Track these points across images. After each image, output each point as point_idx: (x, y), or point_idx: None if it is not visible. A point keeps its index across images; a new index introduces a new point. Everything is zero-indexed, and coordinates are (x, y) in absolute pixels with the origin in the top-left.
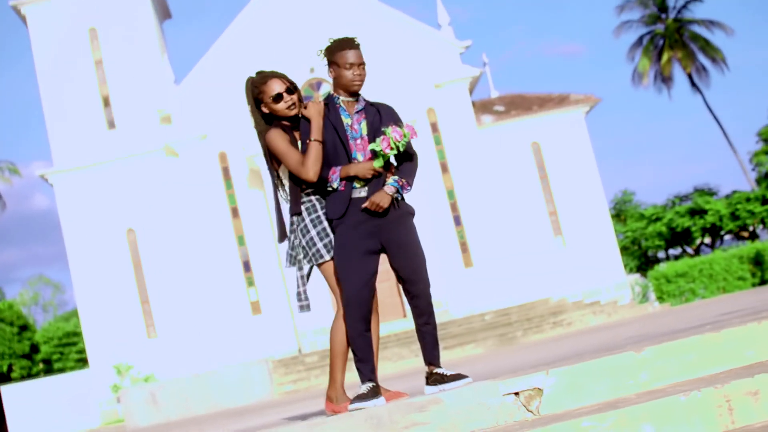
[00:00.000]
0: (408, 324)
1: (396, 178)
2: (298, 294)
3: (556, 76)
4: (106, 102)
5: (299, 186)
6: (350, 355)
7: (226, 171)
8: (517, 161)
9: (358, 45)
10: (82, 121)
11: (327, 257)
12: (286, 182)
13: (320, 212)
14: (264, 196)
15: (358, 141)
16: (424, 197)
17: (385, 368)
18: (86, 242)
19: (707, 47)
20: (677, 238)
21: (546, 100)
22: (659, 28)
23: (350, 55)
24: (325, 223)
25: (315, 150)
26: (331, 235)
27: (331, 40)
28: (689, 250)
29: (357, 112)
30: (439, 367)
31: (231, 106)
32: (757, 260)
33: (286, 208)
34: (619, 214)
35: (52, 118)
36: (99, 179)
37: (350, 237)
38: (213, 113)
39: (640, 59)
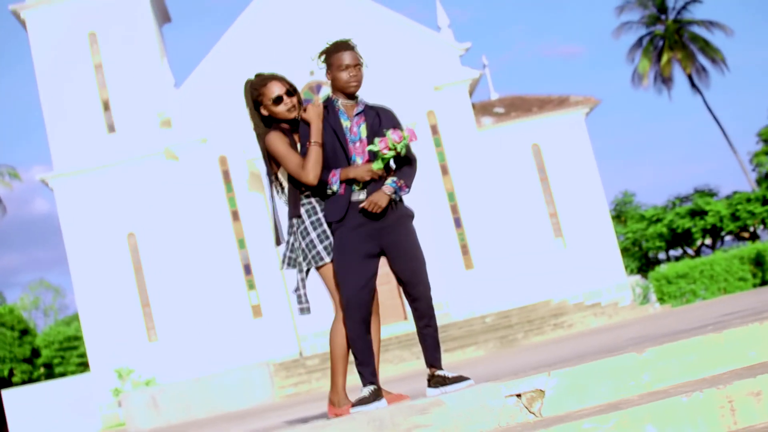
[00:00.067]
0: (409, 326)
1: (394, 179)
2: (299, 296)
3: (556, 77)
4: (106, 106)
5: (299, 189)
6: (351, 357)
7: (226, 174)
8: (518, 163)
9: (353, 46)
10: (82, 125)
11: (327, 260)
12: (285, 185)
13: (320, 214)
14: (264, 199)
15: (357, 144)
16: (424, 199)
17: (386, 370)
18: (87, 246)
19: (707, 48)
20: (678, 239)
21: (546, 102)
22: (659, 29)
23: (345, 57)
24: (325, 226)
25: (315, 153)
26: (331, 238)
27: (328, 43)
28: (690, 251)
29: (356, 115)
30: (441, 369)
31: (231, 110)
32: (757, 261)
33: (282, 211)
34: (620, 215)
35: (52, 122)
36: (99, 183)
37: (350, 240)
38: (213, 116)
39: (639, 60)
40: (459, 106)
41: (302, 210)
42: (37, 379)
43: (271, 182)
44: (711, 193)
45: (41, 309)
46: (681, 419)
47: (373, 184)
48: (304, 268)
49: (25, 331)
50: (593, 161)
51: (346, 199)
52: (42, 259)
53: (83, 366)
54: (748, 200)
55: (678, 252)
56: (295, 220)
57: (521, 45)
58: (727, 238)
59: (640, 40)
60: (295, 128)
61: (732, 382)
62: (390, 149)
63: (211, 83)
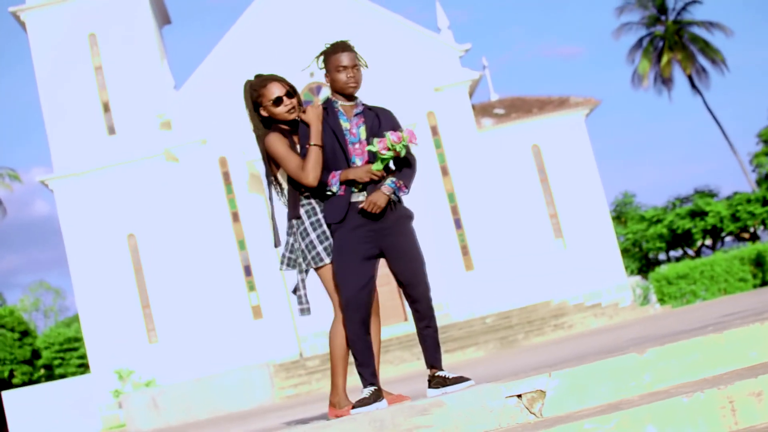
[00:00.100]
0: (409, 327)
1: (393, 179)
2: (299, 297)
3: (556, 78)
4: (106, 107)
5: (298, 190)
6: (351, 359)
7: (226, 176)
8: (518, 164)
9: (350, 47)
10: (82, 126)
11: (326, 260)
12: (285, 186)
13: (320, 215)
14: (264, 201)
15: (357, 145)
16: (424, 200)
17: (386, 371)
18: (87, 248)
19: (707, 48)
20: (678, 239)
21: (546, 103)
22: (659, 29)
23: (342, 58)
24: (325, 227)
25: (315, 154)
26: (331, 239)
27: (326, 45)
28: (690, 251)
29: (355, 116)
30: (441, 370)
31: (231, 111)
32: (758, 261)
33: (281, 212)
34: (620, 216)
35: (52, 124)
36: (99, 185)
37: (349, 241)
38: (213, 118)
39: (639, 61)
40: (459, 107)
41: (302, 211)
42: (38, 381)
43: (270, 183)
44: (711, 194)
45: (41, 310)
46: (682, 419)
47: (372, 185)
48: (304, 269)
49: (25, 333)
50: (593, 162)
51: (346, 200)
52: (42, 260)
53: (83, 367)
54: (749, 201)
55: (678, 253)
56: (294, 221)
57: (521, 46)
58: (728, 238)
59: (640, 40)
60: (295, 129)
61: (733, 383)
62: (388, 149)
63: (211, 85)
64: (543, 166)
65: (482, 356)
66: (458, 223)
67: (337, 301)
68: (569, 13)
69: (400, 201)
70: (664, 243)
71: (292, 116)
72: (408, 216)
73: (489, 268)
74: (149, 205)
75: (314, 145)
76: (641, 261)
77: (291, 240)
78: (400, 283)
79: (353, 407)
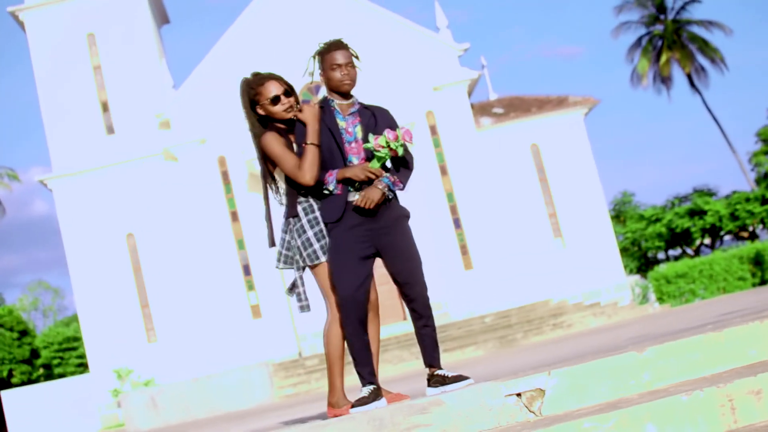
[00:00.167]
0: (408, 326)
1: (387, 175)
2: (298, 294)
3: (555, 77)
4: (105, 107)
5: (296, 189)
6: (348, 358)
7: (225, 175)
8: (517, 163)
9: (344, 45)
10: (80, 126)
11: (322, 259)
12: (282, 185)
13: (317, 213)
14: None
15: (353, 144)
16: (423, 200)
17: (385, 371)
18: (86, 247)
19: (706, 48)
20: (677, 238)
21: (545, 102)
22: (658, 28)
23: (337, 56)
24: (322, 225)
25: (312, 153)
26: (327, 238)
27: (320, 45)
28: (689, 250)
29: (351, 114)
30: (440, 368)
31: (230, 110)
32: (757, 260)
33: (277, 212)
34: (619, 215)
35: (50, 124)
36: (98, 184)
37: (345, 240)
38: (212, 117)
39: (639, 60)
40: (458, 106)
41: (299, 208)
42: (37, 380)
43: (266, 182)
44: (710, 193)
45: (40, 310)
46: (681, 418)
47: (368, 184)
48: (300, 266)
49: (24, 332)
50: (592, 161)
51: (343, 199)
52: (41, 260)
53: (82, 367)
54: (747, 200)
55: (677, 252)
56: (291, 219)
57: (520, 45)
58: (726, 237)
59: (639, 40)
60: (292, 128)
61: (732, 381)
62: (383, 146)
63: (210, 84)
64: (542, 166)
65: (481, 355)
66: (457, 223)
67: (333, 301)
68: (569, 13)
69: (395, 197)
70: (663, 242)
71: (290, 115)
72: (404, 215)
73: (488, 268)
74: (148, 204)
75: (311, 144)
76: (640, 260)
77: (287, 237)
78: (396, 283)
79: (352, 406)
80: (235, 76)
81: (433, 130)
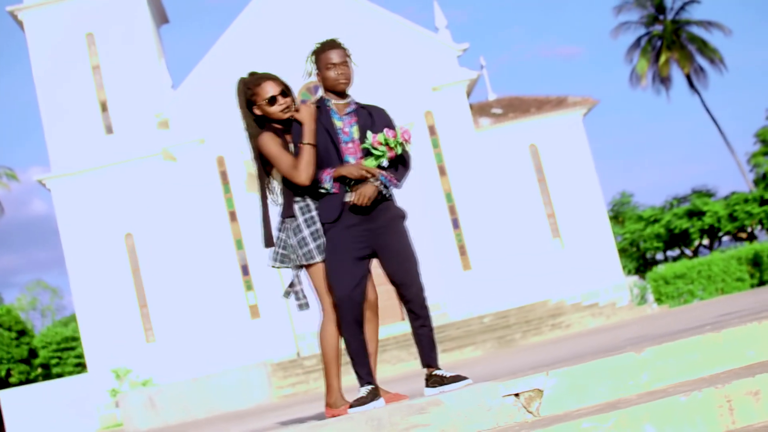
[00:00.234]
0: (407, 327)
1: (383, 172)
2: (296, 293)
3: (554, 77)
4: (104, 107)
5: (292, 189)
6: (345, 358)
7: (224, 175)
8: (515, 164)
9: (339, 45)
10: (79, 126)
11: (318, 258)
12: (278, 185)
13: (314, 212)
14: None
15: (350, 144)
16: (422, 200)
17: (384, 371)
18: (84, 247)
19: (705, 48)
20: (675, 239)
21: (544, 103)
22: (657, 29)
23: (331, 55)
24: (318, 225)
25: (308, 153)
26: (323, 238)
27: (315, 45)
28: (687, 251)
29: (347, 114)
30: (438, 368)
31: (229, 110)
32: (755, 261)
33: (272, 212)
34: (618, 215)
35: (49, 123)
36: (97, 184)
37: (342, 240)
38: (210, 117)
39: (638, 60)
40: (457, 106)
41: (296, 207)
42: (35, 380)
43: (262, 182)
44: (709, 194)
45: (39, 309)
46: (679, 418)
47: (363, 183)
48: (296, 265)
49: (22, 332)
50: (591, 162)
51: (340, 199)
52: (39, 259)
53: (81, 366)
54: (746, 201)
55: (676, 252)
56: (288, 219)
57: (519, 46)
58: (725, 238)
59: (639, 40)
60: (288, 128)
61: (730, 382)
62: (382, 144)
63: (208, 84)
64: (540, 166)
65: (480, 356)
66: (456, 223)
67: (328, 302)
68: (568, 13)
69: (392, 198)
70: (662, 243)
71: (287, 115)
72: (401, 216)
73: (486, 268)
74: (147, 204)
75: (307, 144)
76: (639, 261)
77: (283, 236)
78: (393, 284)
79: (350, 406)
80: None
81: (432, 130)
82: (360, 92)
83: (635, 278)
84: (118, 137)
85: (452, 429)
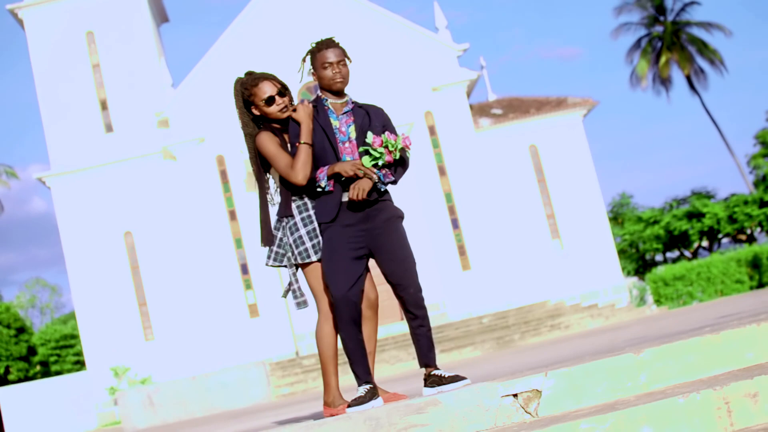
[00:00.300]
0: (405, 327)
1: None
2: (294, 291)
3: (554, 78)
4: (104, 105)
5: (289, 189)
6: (343, 358)
7: (223, 174)
8: (515, 164)
9: (335, 44)
10: (79, 124)
11: (313, 258)
12: (276, 185)
13: (311, 212)
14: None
15: (347, 144)
16: (421, 200)
17: (382, 371)
18: (84, 245)
19: (705, 49)
20: (675, 241)
21: (543, 104)
22: (657, 30)
23: (327, 55)
24: (316, 224)
25: (304, 153)
26: (320, 237)
27: (311, 45)
28: (687, 253)
29: (344, 114)
30: (437, 368)
31: (228, 109)
32: (754, 263)
33: (272, 212)
34: (617, 217)
35: (49, 122)
36: (97, 182)
37: (339, 240)
38: (210, 116)
39: (638, 61)
40: (457, 107)
41: (293, 206)
42: (34, 378)
43: (260, 182)
44: (708, 195)
45: (38, 307)
46: (678, 420)
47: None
48: (292, 263)
49: (21, 330)
50: (591, 163)
51: (337, 199)
52: (39, 257)
53: (79, 364)
54: (746, 202)
55: (675, 254)
56: (285, 218)
57: (519, 46)
58: (724, 240)
59: (639, 41)
60: (286, 128)
61: (729, 384)
62: (382, 145)
63: (208, 83)
64: (540, 167)
65: (479, 356)
66: (455, 223)
67: (325, 301)
68: (567, 14)
69: (389, 198)
70: (661, 244)
71: (284, 115)
72: (398, 216)
73: (486, 268)
74: (146, 203)
75: (304, 143)
76: (638, 262)
77: (279, 234)
78: (390, 283)
79: (349, 406)
80: (234, 76)
81: (432, 130)
82: (360, 92)
83: (634, 279)
84: (117, 136)
85: (450, 429)
